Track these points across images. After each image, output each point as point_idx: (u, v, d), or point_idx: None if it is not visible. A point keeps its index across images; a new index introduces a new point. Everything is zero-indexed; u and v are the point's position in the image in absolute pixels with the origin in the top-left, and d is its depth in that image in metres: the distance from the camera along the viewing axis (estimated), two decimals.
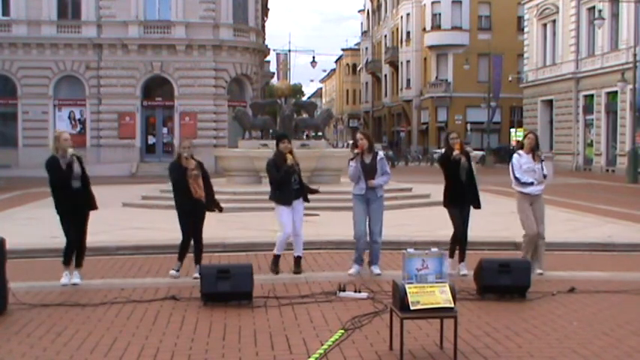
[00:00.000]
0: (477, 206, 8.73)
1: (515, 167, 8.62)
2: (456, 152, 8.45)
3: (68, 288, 7.84)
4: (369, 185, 8.45)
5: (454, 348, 5.32)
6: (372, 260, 8.71)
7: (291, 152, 8.62)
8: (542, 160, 8.74)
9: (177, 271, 8.45)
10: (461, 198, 8.59)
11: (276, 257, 8.78)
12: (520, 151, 8.73)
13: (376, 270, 8.62)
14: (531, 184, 8.55)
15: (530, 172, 8.57)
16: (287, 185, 8.59)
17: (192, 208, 8.43)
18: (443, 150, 9.08)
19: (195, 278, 8.12)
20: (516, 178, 8.60)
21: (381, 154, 8.80)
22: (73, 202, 7.94)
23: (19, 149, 34.77)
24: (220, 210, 8.88)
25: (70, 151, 7.83)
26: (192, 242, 8.56)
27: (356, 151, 8.50)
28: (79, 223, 8.08)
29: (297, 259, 8.82)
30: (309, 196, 8.99)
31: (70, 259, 8.08)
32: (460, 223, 8.61)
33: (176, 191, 8.54)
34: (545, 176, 8.69)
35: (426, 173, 30.95)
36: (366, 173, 8.46)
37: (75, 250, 8.07)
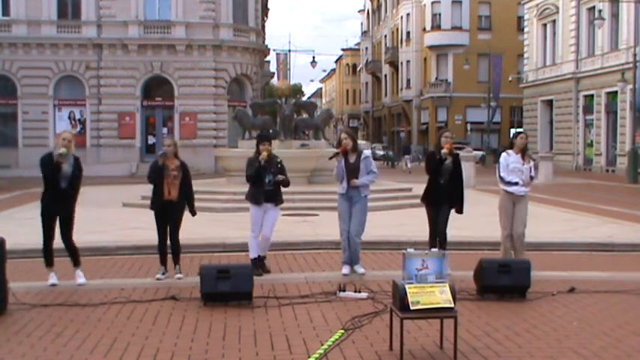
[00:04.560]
0: (459, 210, 8.71)
1: (501, 166, 8.63)
2: (444, 151, 8.45)
3: (68, 288, 7.83)
4: (351, 184, 8.43)
5: (454, 348, 5.32)
6: (352, 260, 8.57)
7: (268, 154, 8.49)
8: (534, 161, 8.77)
9: (163, 274, 8.37)
10: (437, 198, 8.58)
11: (253, 260, 8.58)
12: (509, 151, 8.73)
13: (359, 270, 8.53)
14: (516, 184, 8.55)
15: (518, 172, 8.56)
16: (259, 185, 8.54)
17: (163, 210, 8.37)
18: (434, 146, 9.06)
19: (179, 279, 8.12)
20: (501, 177, 8.60)
21: (366, 152, 8.72)
22: (57, 200, 7.90)
23: (19, 149, 34.78)
24: (193, 214, 8.71)
25: (62, 150, 7.70)
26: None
27: (336, 151, 8.46)
28: (61, 223, 8.00)
29: (261, 259, 8.68)
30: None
31: (51, 260, 8.06)
32: (435, 223, 8.61)
33: (153, 190, 8.49)
34: (532, 178, 8.71)
35: (425, 173, 30.94)
36: (349, 173, 8.43)
37: (51, 248, 8.03)
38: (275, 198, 8.69)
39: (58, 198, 7.90)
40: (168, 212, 8.40)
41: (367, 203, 8.70)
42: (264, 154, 8.44)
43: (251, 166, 8.55)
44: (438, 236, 8.61)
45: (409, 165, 36.95)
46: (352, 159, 8.49)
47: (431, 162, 8.67)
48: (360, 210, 8.53)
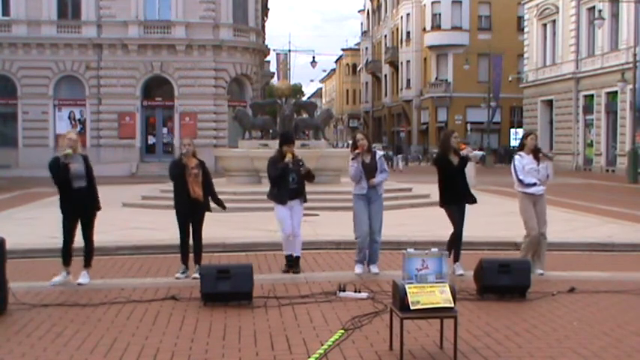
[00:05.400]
0: (473, 201, 8.80)
1: (518, 169, 8.58)
2: (464, 152, 8.51)
3: (68, 288, 7.83)
4: (370, 184, 8.51)
5: (454, 348, 5.32)
6: (371, 259, 8.72)
7: (292, 154, 8.66)
8: (550, 159, 8.77)
9: (183, 273, 8.41)
10: (460, 197, 8.62)
11: (288, 257, 8.81)
12: (521, 153, 8.70)
13: (374, 269, 8.64)
14: (534, 184, 8.55)
15: (534, 172, 8.55)
16: (284, 184, 8.64)
17: (189, 208, 8.41)
18: (439, 150, 9.05)
19: (195, 278, 8.12)
20: (520, 180, 8.57)
21: (379, 152, 8.87)
22: (75, 201, 7.92)
23: (19, 149, 34.79)
24: (224, 208, 8.91)
25: (68, 150, 7.76)
26: (191, 242, 8.56)
27: (357, 151, 8.54)
28: (83, 223, 8.07)
29: (296, 260, 8.85)
30: (307, 191, 9.02)
31: (69, 259, 8.09)
32: (460, 221, 8.63)
33: (174, 189, 8.55)
34: (548, 176, 8.68)
35: (425, 173, 30.96)
36: (366, 173, 8.53)
37: (70, 250, 8.06)
38: (301, 195, 8.84)
39: (75, 199, 7.91)
40: (193, 211, 8.44)
41: (383, 201, 8.87)
42: (290, 155, 8.57)
43: (274, 167, 8.63)
44: (458, 237, 8.65)
45: (400, 164, 39.39)
46: (367, 159, 8.60)
47: (443, 164, 8.64)
48: (380, 209, 8.71)
